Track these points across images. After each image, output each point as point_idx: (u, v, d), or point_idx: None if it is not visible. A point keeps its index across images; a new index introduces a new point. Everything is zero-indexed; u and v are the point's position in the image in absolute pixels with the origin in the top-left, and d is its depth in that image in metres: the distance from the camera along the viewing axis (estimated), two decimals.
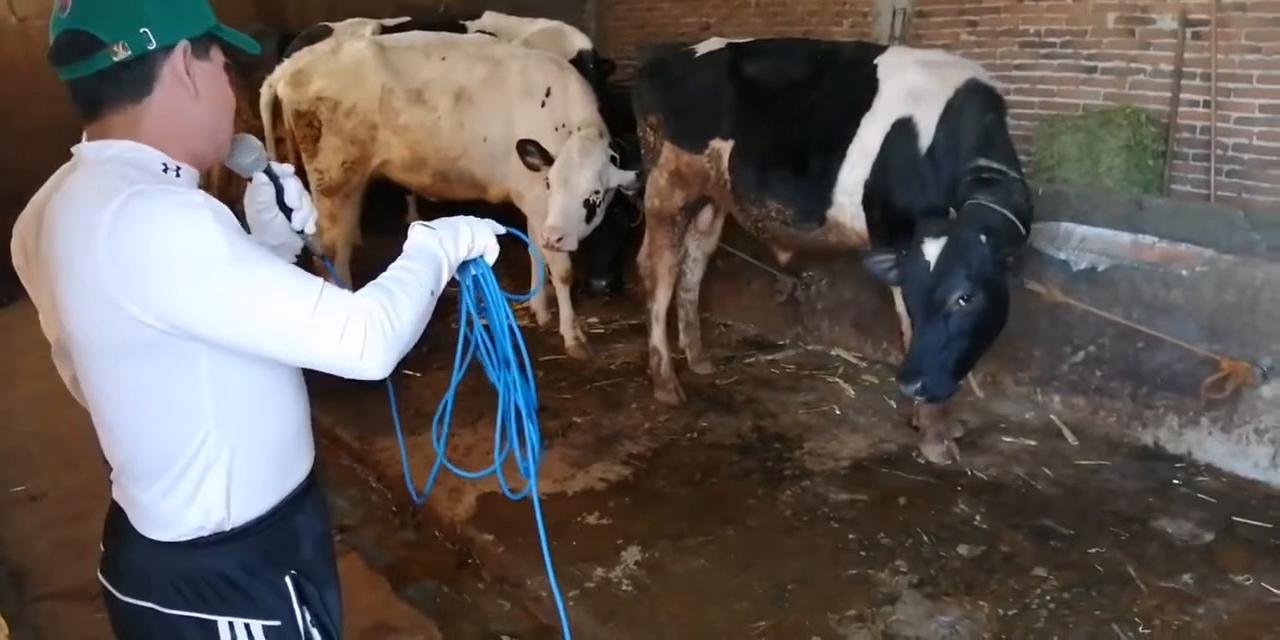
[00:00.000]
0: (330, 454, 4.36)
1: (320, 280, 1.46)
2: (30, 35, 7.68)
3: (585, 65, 5.78)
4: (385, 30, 6.35)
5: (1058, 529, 3.53)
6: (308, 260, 1.95)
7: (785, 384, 4.97)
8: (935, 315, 3.43)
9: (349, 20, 6.69)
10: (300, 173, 1.93)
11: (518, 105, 5.19)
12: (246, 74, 5.04)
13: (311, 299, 1.42)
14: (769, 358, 5.31)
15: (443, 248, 1.65)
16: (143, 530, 1.60)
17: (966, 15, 6.07)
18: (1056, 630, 3.00)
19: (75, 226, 1.42)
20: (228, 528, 1.60)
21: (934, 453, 4.08)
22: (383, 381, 1.56)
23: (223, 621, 1.61)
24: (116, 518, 1.66)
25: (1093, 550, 3.39)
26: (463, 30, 6.39)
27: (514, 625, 3.36)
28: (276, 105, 5.38)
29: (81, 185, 1.46)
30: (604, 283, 6.03)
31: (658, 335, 4.84)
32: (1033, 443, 4.20)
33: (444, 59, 5.27)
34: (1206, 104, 5.13)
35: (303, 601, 1.68)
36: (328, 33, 6.39)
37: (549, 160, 4.85)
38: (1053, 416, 4.37)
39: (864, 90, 3.96)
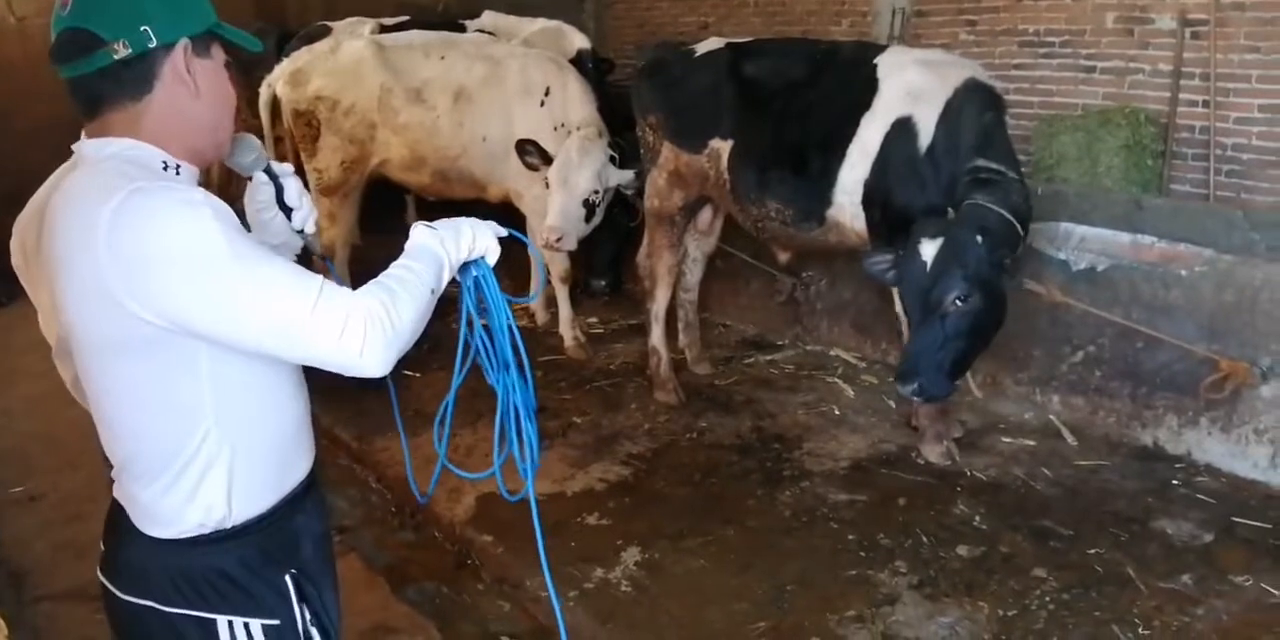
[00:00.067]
0: (329, 454, 4.35)
1: (320, 278, 1.46)
2: (29, 35, 7.68)
3: (584, 65, 5.77)
4: (384, 29, 6.34)
5: (1057, 529, 3.53)
6: (308, 260, 1.94)
7: (784, 384, 4.97)
8: (932, 315, 3.43)
9: (348, 19, 6.68)
10: (299, 172, 1.93)
11: (517, 105, 5.19)
12: (246, 73, 5.03)
13: (311, 296, 1.42)
14: (768, 358, 5.31)
15: (444, 248, 1.65)
16: (143, 528, 1.60)
17: (965, 15, 6.07)
18: (1056, 631, 3.00)
19: (75, 224, 1.41)
20: (228, 525, 1.60)
21: (933, 453, 4.08)
22: (383, 381, 1.56)
23: (222, 620, 1.60)
24: (117, 516, 1.65)
25: (1092, 551, 3.39)
26: (462, 29, 6.38)
27: (513, 626, 3.36)
28: (275, 104, 5.37)
29: (82, 183, 1.46)
30: (603, 283, 6.03)
31: (657, 335, 4.83)
32: (1032, 443, 4.20)
33: (443, 58, 5.27)
34: (1205, 104, 5.13)
35: (302, 601, 1.68)
36: (327, 32, 6.38)
37: (548, 160, 4.85)
38: (1052, 417, 4.37)
39: (864, 90, 3.95)
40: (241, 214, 1.65)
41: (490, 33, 6.41)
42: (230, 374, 1.53)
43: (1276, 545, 3.39)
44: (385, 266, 1.59)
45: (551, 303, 5.72)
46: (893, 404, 4.59)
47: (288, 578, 1.67)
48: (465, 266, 1.75)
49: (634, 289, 5.70)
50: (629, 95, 4.80)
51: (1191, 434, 3.99)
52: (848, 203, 4.00)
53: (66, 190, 1.47)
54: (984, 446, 4.20)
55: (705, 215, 4.91)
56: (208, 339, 1.46)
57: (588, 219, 4.88)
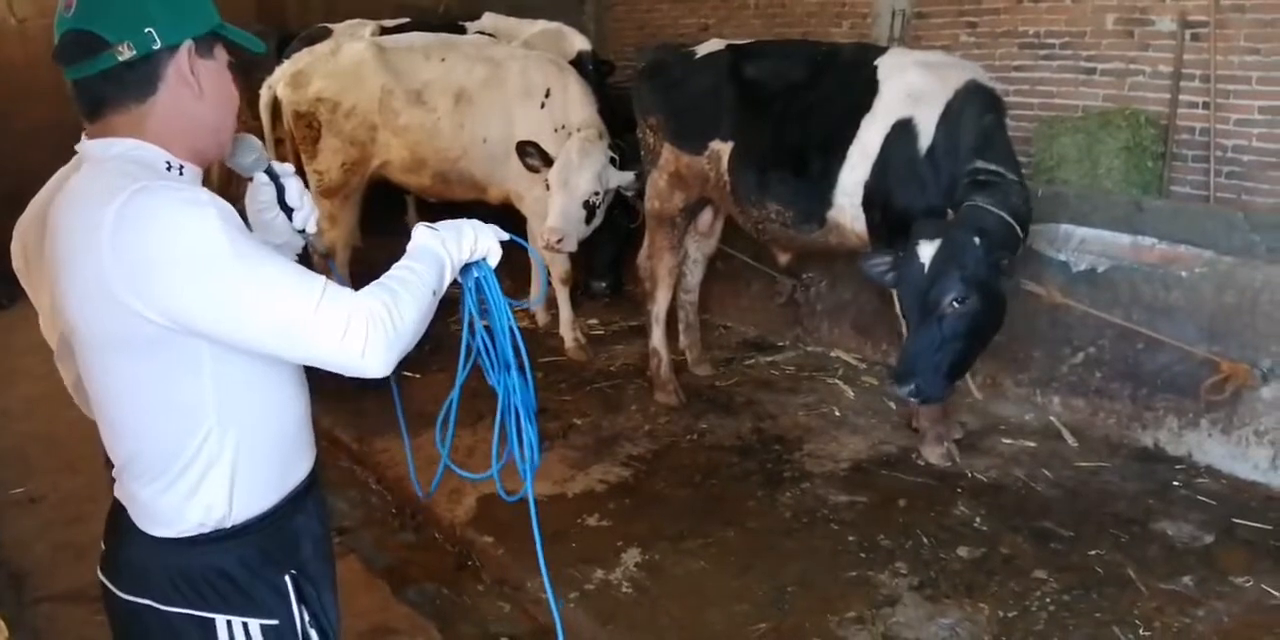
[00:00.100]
0: (329, 456, 4.35)
1: (323, 278, 1.46)
2: (30, 36, 7.69)
3: (585, 66, 5.78)
4: (385, 31, 6.35)
5: (1058, 531, 3.53)
6: (309, 260, 1.95)
7: (785, 386, 4.97)
8: (929, 317, 3.43)
9: (348, 21, 6.69)
10: (300, 174, 1.93)
11: (517, 106, 5.19)
12: (246, 74, 5.03)
13: (314, 296, 1.42)
14: (769, 359, 5.31)
15: (446, 249, 1.66)
16: (143, 527, 1.60)
17: (966, 17, 6.07)
18: (1056, 632, 3.00)
19: (79, 224, 1.42)
20: (228, 525, 1.60)
21: (934, 454, 4.08)
22: (384, 381, 1.56)
23: (220, 620, 1.60)
24: (117, 515, 1.65)
25: (1093, 552, 3.39)
26: (462, 31, 6.39)
27: (513, 627, 3.36)
28: (276, 106, 5.38)
29: (85, 183, 1.46)
30: (604, 284, 6.03)
31: (657, 337, 4.83)
32: (1032, 444, 4.20)
33: (443, 60, 5.27)
34: (1206, 105, 5.13)
35: (301, 601, 1.68)
36: (327, 34, 6.39)
37: (548, 161, 4.85)
38: (1052, 418, 4.36)
39: (864, 91, 3.96)
40: (243, 214, 1.66)
41: (490, 34, 6.41)
42: (232, 373, 1.53)
43: (1277, 546, 3.39)
44: (386, 268, 1.60)
45: (552, 304, 5.71)
46: (893, 405, 4.59)
47: (287, 578, 1.67)
48: (466, 268, 1.76)
49: (634, 290, 5.70)
50: (629, 97, 4.81)
51: (1192, 435, 3.99)
52: (848, 204, 4.00)
53: (70, 191, 1.47)
54: (984, 448, 4.20)
55: (706, 217, 4.91)
56: (210, 338, 1.46)
57: (588, 221, 4.89)
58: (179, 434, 1.54)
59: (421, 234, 1.67)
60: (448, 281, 1.67)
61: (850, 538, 3.55)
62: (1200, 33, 5.10)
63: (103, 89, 1.51)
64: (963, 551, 3.44)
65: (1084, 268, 4.21)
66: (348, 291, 1.47)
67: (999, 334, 3.65)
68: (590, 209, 4.85)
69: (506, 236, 1.80)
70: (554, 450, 4.23)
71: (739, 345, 5.56)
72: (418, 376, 4.77)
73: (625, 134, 5.06)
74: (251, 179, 1.84)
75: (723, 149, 4.36)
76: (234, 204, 1.54)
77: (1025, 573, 3.30)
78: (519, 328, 1.85)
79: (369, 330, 1.43)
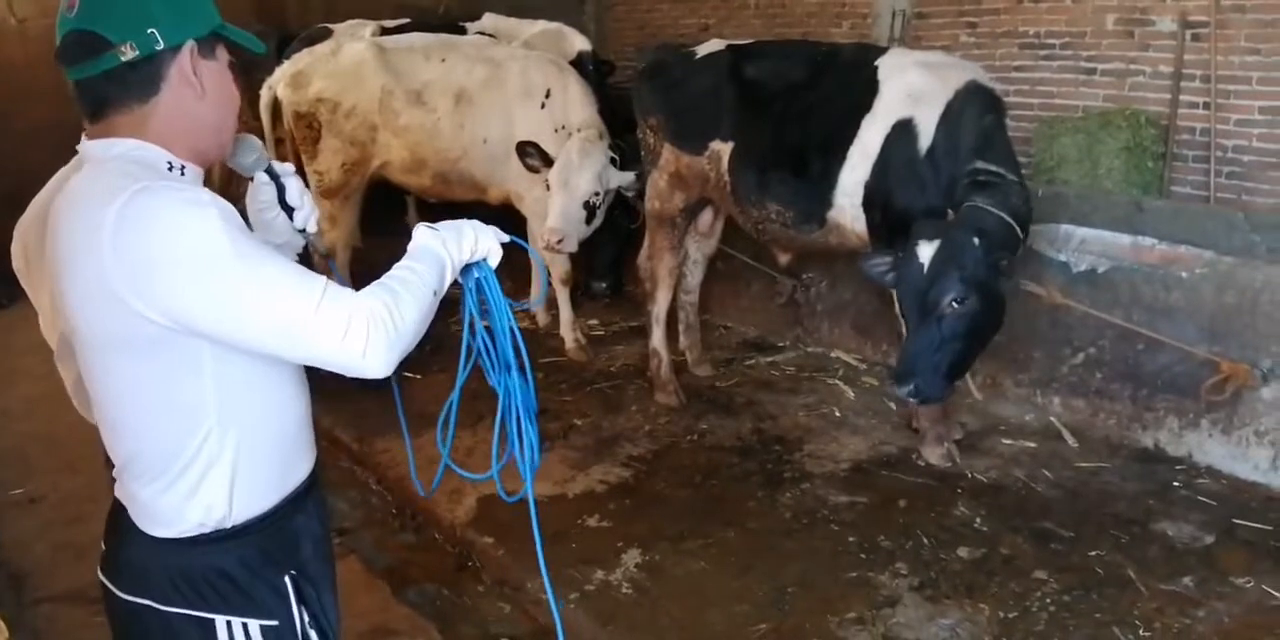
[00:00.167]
0: (330, 456, 4.35)
1: (324, 279, 1.46)
2: (30, 36, 7.68)
3: (585, 67, 5.78)
4: (385, 32, 6.35)
5: (1058, 531, 3.53)
6: (309, 260, 1.95)
7: (785, 386, 4.97)
8: (929, 317, 3.43)
9: (348, 22, 6.69)
10: (300, 174, 1.93)
11: (517, 107, 5.19)
12: (246, 74, 5.03)
13: (315, 297, 1.42)
14: (769, 360, 5.31)
15: (446, 249, 1.66)
16: (143, 527, 1.60)
17: (966, 17, 6.08)
18: (1057, 633, 3.00)
19: (80, 224, 1.42)
20: (229, 525, 1.60)
21: (934, 455, 4.08)
22: (385, 382, 1.56)
23: (220, 620, 1.60)
24: (118, 515, 1.65)
25: (1093, 553, 3.39)
26: (462, 32, 6.38)
27: (514, 628, 3.36)
28: (276, 107, 5.38)
29: (86, 183, 1.46)
30: (604, 285, 6.03)
31: (658, 337, 4.83)
32: (1033, 445, 4.20)
33: (444, 60, 5.27)
34: (1206, 106, 5.13)
35: (301, 602, 1.68)
36: (327, 34, 6.39)
37: (549, 162, 4.85)
38: (1052, 418, 4.36)
39: (864, 92, 3.96)
40: (244, 214, 1.66)
41: (491, 35, 6.41)
42: (233, 373, 1.53)
43: (1277, 547, 3.39)
44: (386, 268, 1.60)
45: (552, 305, 5.71)
46: (893, 406, 4.59)
47: (287, 579, 1.67)
48: (467, 268, 1.76)
49: (635, 291, 5.70)
50: (629, 97, 4.81)
51: (1192, 436, 3.99)
52: (848, 204, 4.00)
53: (71, 191, 1.47)
54: (984, 448, 4.19)
55: (706, 217, 4.91)
56: (211, 339, 1.46)
57: (588, 221, 4.89)
58: (179, 434, 1.54)
59: (422, 234, 1.67)
60: (448, 282, 1.67)
61: (850, 538, 3.55)
62: (1201, 33, 5.10)
63: (105, 89, 1.51)
64: (963, 552, 3.44)
65: (1084, 268, 4.21)
66: (348, 292, 1.47)
67: (999, 334, 3.65)
68: (590, 209, 4.85)
69: (507, 238, 1.80)
70: (554, 451, 4.23)
71: (739, 346, 5.56)
72: (418, 377, 4.76)
73: (625, 134, 5.05)
74: (252, 179, 1.84)
75: (723, 149, 4.36)
76: (235, 204, 1.54)
77: (1025, 573, 3.30)
78: (519, 328, 1.85)
79: (370, 330, 1.43)
